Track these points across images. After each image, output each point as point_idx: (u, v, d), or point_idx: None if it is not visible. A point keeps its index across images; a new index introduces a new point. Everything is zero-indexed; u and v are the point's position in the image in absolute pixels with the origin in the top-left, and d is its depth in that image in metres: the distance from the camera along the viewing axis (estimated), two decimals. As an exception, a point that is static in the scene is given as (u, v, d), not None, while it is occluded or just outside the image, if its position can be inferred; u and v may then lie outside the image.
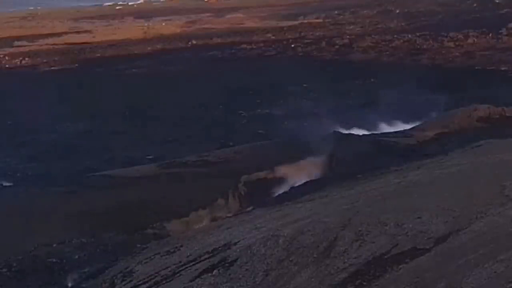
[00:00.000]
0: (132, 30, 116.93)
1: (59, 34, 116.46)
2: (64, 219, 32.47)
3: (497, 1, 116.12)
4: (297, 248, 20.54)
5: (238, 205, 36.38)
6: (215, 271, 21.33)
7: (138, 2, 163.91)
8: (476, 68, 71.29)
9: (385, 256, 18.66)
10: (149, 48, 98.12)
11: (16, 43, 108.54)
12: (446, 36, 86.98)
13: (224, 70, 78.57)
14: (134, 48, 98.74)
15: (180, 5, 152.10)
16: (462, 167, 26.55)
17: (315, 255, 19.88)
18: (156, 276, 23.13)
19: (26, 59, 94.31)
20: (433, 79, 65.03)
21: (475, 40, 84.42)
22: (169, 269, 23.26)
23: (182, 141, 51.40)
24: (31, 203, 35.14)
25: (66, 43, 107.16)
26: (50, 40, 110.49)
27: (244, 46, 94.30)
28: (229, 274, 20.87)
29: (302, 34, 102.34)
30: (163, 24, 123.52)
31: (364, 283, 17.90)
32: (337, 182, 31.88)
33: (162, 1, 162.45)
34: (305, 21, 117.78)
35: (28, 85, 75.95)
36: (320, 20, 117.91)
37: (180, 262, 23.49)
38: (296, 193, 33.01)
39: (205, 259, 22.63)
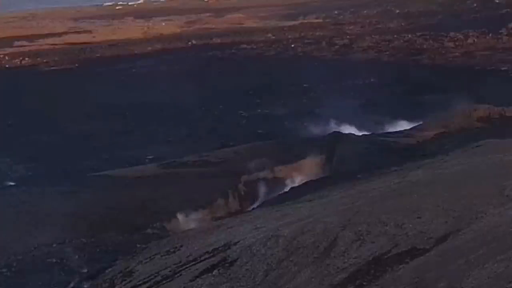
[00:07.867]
0: (132, 30, 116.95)
1: (59, 34, 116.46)
2: (64, 219, 32.48)
3: (497, 1, 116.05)
4: (297, 248, 20.51)
5: (238, 205, 36.41)
6: (215, 271, 21.31)
7: (138, 2, 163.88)
8: (476, 68, 71.26)
9: (385, 256, 18.63)
10: (149, 48, 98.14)
11: (16, 43, 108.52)
12: (446, 36, 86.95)
13: (224, 70, 78.58)
14: (134, 48, 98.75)
15: (180, 5, 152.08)
16: (462, 167, 26.50)
17: (315, 255, 19.85)
18: (156, 276, 23.11)
19: (26, 59, 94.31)
20: (433, 79, 65.07)
21: (475, 40, 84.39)
22: (169, 269, 23.24)
23: (182, 141, 51.39)
24: (31, 203, 35.14)
25: (66, 43, 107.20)
26: (50, 40, 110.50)
27: (244, 46, 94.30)
28: (229, 274, 20.85)
29: (302, 34, 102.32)
30: (163, 24, 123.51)
31: (364, 283, 17.87)
32: (337, 182, 31.84)
33: (162, 1, 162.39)
34: (305, 21, 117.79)
35: (28, 85, 76.04)
36: (320, 20, 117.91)
37: (180, 262, 23.47)
38: (296, 193, 32.98)
39: (205, 259, 22.60)
